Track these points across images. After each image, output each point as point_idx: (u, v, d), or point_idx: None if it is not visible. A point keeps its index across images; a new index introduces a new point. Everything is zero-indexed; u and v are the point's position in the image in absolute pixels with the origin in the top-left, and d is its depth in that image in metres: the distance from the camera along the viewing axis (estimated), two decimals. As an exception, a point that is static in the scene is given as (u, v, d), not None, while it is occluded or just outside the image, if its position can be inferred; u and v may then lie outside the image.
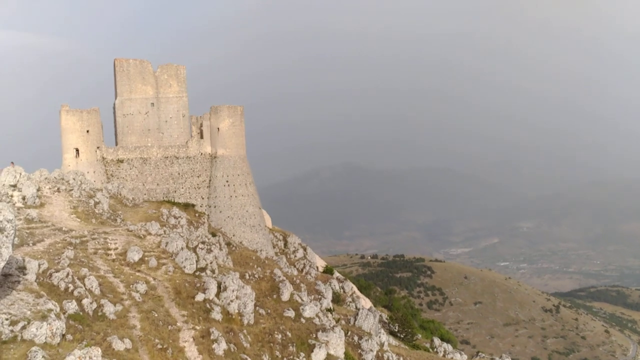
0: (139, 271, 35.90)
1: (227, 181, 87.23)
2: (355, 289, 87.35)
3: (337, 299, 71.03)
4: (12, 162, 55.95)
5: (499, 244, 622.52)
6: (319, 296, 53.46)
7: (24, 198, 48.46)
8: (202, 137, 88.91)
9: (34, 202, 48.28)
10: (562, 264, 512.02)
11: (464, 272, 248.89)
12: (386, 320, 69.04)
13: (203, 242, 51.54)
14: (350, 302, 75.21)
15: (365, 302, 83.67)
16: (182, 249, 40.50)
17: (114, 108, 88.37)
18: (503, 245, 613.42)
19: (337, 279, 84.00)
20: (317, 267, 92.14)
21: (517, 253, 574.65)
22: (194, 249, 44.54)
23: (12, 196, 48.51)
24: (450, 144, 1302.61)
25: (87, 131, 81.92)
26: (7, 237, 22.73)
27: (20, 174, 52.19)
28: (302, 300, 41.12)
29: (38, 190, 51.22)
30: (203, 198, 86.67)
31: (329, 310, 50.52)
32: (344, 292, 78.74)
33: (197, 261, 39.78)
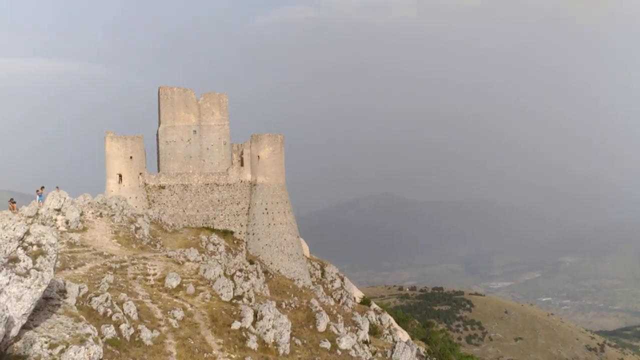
0: (176, 297, 36.05)
1: (265, 209, 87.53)
2: (392, 321, 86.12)
3: (374, 330, 70.04)
4: (57, 187, 57.22)
5: (541, 279, 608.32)
6: (356, 327, 52.78)
7: (67, 222, 49.42)
8: (242, 164, 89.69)
9: (77, 227, 49.18)
10: (607, 302, 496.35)
11: (505, 306, 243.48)
12: (424, 354, 67.69)
13: (241, 270, 51.67)
14: (388, 334, 74.04)
15: (403, 335, 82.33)
16: (219, 276, 40.58)
17: (157, 135, 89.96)
18: (545, 280, 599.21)
19: (375, 310, 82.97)
20: (355, 298, 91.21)
21: (560, 289, 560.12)
22: (232, 277, 44.61)
23: (56, 220, 49.54)
24: (493, 176, 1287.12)
25: (131, 157, 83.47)
26: (49, 260, 23.07)
27: (65, 198, 53.31)
28: (338, 331, 40.67)
29: (81, 214, 52.19)
30: (242, 225, 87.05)
31: (366, 342, 49.77)
32: (381, 324, 77.66)
33: (234, 289, 39.78)
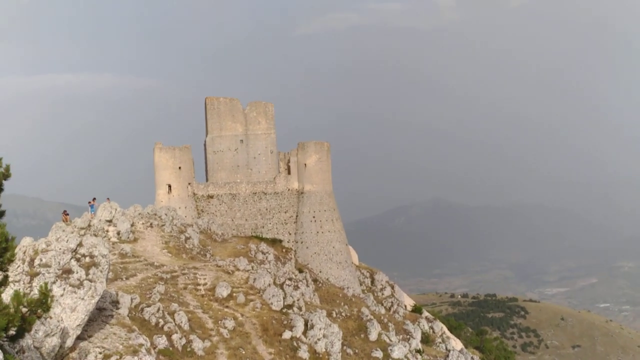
0: (227, 307, 36.10)
1: (313, 217, 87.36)
2: (445, 329, 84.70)
3: (427, 339, 68.98)
4: (108, 198, 58.20)
5: (598, 284, 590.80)
6: (408, 336, 51.97)
7: (118, 233, 50.15)
8: (289, 173, 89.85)
9: (128, 237, 49.84)
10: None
11: (561, 313, 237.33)
12: (478, 363, 66.27)
13: (290, 279, 51.48)
14: (440, 342, 72.86)
15: (456, 343, 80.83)
16: (269, 285, 40.50)
17: (205, 145, 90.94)
18: (602, 286, 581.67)
19: (426, 318, 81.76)
20: (405, 306, 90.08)
21: (619, 294, 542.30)
22: (281, 286, 44.46)
23: (107, 231, 50.34)
24: (544, 179, 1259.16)
25: (179, 168, 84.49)
26: (101, 271, 23.30)
27: (116, 209, 54.17)
28: (390, 340, 40.06)
29: (132, 225, 52.91)
30: (290, 234, 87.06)
31: (418, 351, 48.93)
32: (434, 332, 76.45)
33: (284, 298, 39.64)
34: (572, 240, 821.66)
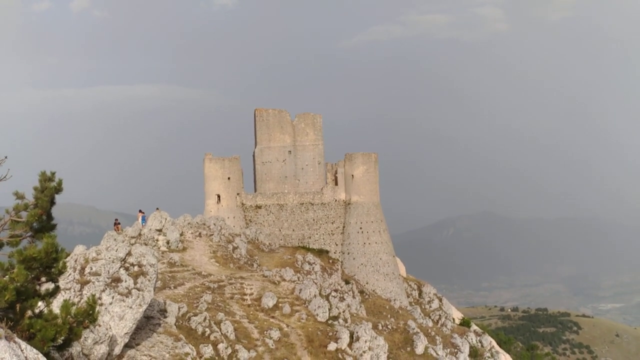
0: (272, 317, 36.26)
1: (360, 228, 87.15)
2: (494, 343, 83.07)
3: (475, 353, 67.73)
4: (158, 208, 59.21)
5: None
6: (455, 350, 51.21)
7: (168, 242, 51.02)
8: (336, 183, 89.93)
9: (177, 246, 50.66)
10: None
11: (615, 329, 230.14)
12: (528, 380, 64.73)
13: (336, 290, 51.42)
14: (489, 357, 71.43)
15: (505, 358, 79.16)
16: (315, 296, 40.51)
17: (254, 156, 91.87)
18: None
19: (475, 332, 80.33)
20: (454, 319, 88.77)
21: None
22: (327, 297, 44.40)
23: (157, 240, 51.26)
24: (597, 191, 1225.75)
25: (228, 178, 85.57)
26: (149, 280, 23.72)
27: (166, 219, 55.16)
28: (437, 354, 39.55)
29: (181, 235, 53.77)
30: (337, 244, 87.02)
31: (466, 365, 48.15)
32: (482, 346, 75.01)
33: (329, 309, 39.58)
34: (627, 256, 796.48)
